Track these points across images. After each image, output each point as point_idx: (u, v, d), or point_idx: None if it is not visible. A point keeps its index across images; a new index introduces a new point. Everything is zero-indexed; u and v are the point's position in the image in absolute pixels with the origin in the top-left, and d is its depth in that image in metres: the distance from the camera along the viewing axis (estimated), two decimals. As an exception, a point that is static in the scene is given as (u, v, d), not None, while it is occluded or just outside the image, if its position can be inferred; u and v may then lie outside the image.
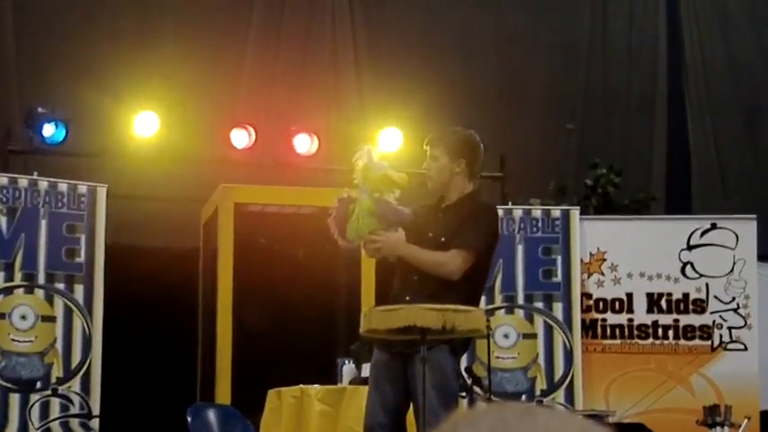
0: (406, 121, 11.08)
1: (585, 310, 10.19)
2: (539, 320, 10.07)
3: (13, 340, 9.17)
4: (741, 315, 10.10)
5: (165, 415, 9.46)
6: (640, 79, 13.27)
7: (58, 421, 9.22)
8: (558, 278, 10.10)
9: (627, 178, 11.86)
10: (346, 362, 8.45)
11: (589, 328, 10.20)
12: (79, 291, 9.44)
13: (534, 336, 10.06)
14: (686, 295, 10.17)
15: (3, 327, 9.16)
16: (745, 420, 8.78)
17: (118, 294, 9.66)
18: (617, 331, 10.21)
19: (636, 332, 10.19)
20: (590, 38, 13.20)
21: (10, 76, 11.12)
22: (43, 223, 9.41)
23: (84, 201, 9.56)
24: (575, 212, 10.33)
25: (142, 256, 10.72)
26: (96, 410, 9.36)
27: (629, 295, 10.22)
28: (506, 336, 10.03)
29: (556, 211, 10.31)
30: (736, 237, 10.15)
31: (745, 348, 10.07)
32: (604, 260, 10.26)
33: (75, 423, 9.28)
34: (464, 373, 7.19)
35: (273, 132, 11.07)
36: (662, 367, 10.12)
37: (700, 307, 10.15)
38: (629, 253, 10.26)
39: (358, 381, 8.01)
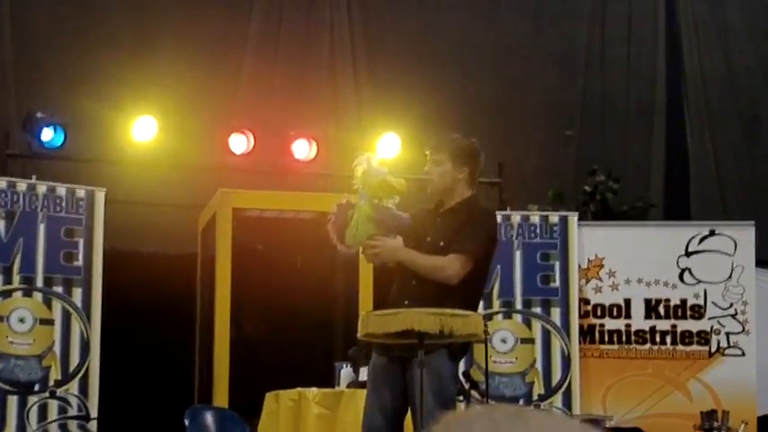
0: (404, 128, 11.08)
1: (583, 315, 10.19)
2: (537, 325, 10.08)
3: (11, 343, 9.18)
4: (739, 321, 10.11)
5: (162, 418, 9.46)
6: (639, 87, 13.29)
7: (56, 423, 9.23)
8: (557, 284, 10.11)
9: (625, 185, 11.87)
10: (344, 366, 8.46)
11: (587, 334, 10.21)
12: (77, 294, 9.44)
13: (532, 341, 10.07)
14: (684, 301, 10.18)
15: (1, 329, 9.16)
16: (743, 426, 8.79)
17: (116, 299, 9.67)
18: (615, 337, 10.22)
19: (633, 337, 10.20)
20: (588, 47, 13.21)
21: (9, 80, 11.12)
22: (41, 227, 9.41)
23: (82, 205, 9.57)
24: (573, 219, 10.34)
25: (140, 261, 10.72)
26: (94, 413, 9.36)
27: (627, 301, 10.23)
28: (504, 340, 10.04)
29: (554, 218, 10.32)
30: (735, 243, 10.16)
31: (743, 354, 10.08)
32: (602, 266, 10.27)
33: (73, 425, 9.29)
34: (462, 377, 7.20)
35: (272, 138, 11.08)
36: (659, 372, 10.12)
37: (698, 313, 10.16)
38: (627, 259, 10.27)
39: (356, 384, 8.02)
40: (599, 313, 10.25)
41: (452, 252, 6.17)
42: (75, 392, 9.32)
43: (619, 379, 10.15)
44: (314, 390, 7.82)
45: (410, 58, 12.42)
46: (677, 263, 10.20)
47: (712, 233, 10.24)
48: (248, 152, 10.91)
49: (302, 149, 11.04)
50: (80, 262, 9.50)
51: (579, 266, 10.20)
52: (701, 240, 10.23)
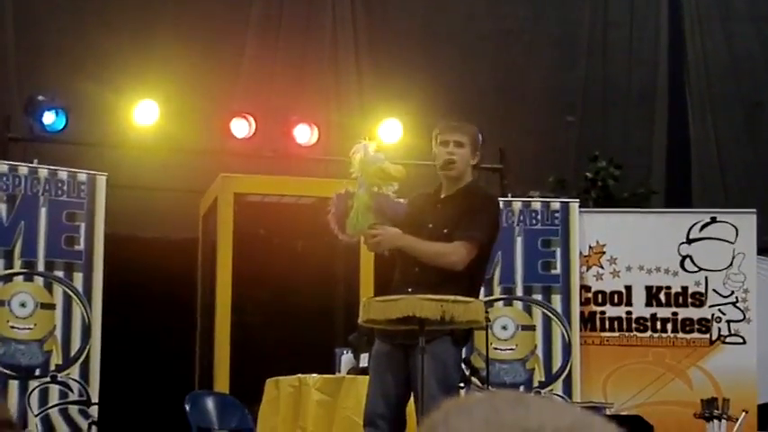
0: (405, 113, 11.07)
1: (584, 302, 10.19)
2: (537, 312, 10.08)
3: (12, 327, 9.18)
4: (740, 309, 10.11)
5: (163, 403, 9.48)
6: (641, 72, 13.27)
7: (56, 408, 9.24)
8: (557, 270, 10.11)
9: (627, 172, 11.86)
10: (344, 352, 8.46)
11: (588, 321, 10.21)
12: (78, 279, 9.45)
13: (533, 327, 10.07)
14: (685, 288, 10.17)
15: (2, 314, 9.17)
16: (743, 414, 8.79)
17: (117, 283, 9.67)
18: (615, 324, 10.22)
19: (634, 325, 10.20)
20: (590, 31, 13.19)
21: (10, 64, 11.11)
22: (43, 211, 9.41)
23: (83, 189, 9.56)
24: (574, 205, 10.33)
25: (141, 245, 10.72)
26: (95, 398, 9.37)
27: (628, 288, 10.23)
28: (505, 327, 10.04)
29: (555, 204, 10.31)
30: (736, 231, 10.15)
31: (744, 342, 10.08)
32: (603, 253, 10.26)
33: (74, 410, 9.30)
34: (462, 364, 7.20)
35: (273, 122, 11.06)
36: (660, 360, 10.12)
37: (698, 300, 10.16)
38: (628, 246, 10.26)
39: (356, 371, 8.02)
40: (600, 300, 10.25)
41: (457, 239, 6.16)
42: (76, 377, 9.33)
43: (619, 366, 10.15)
44: (314, 376, 7.81)
45: (412, 43, 12.41)
46: (678, 250, 10.19)
47: (713, 220, 10.23)
48: (249, 137, 10.90)
49: (303, 134, 11.02)
50: (81, 246, 9.50)
51: (580, 253, 10.19)
52: (703, 228, 10.22)
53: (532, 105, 12.71)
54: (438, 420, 1.13)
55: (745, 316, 10.10)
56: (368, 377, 6.49)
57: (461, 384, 7.07)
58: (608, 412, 9.05)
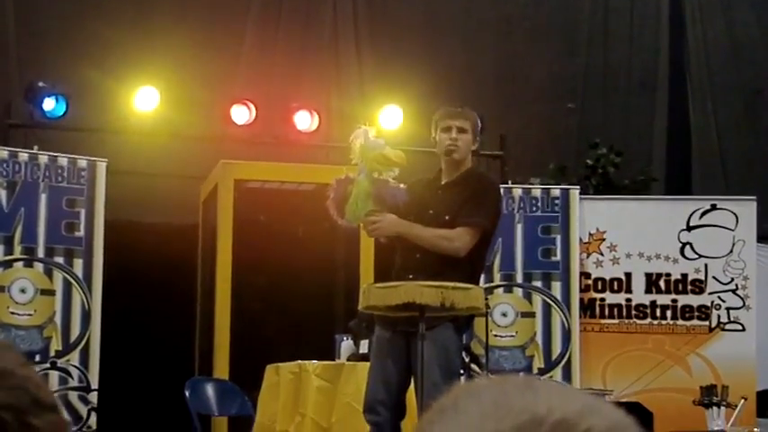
0: (406, 99, 11.07)
1: (584, 289, 10.20)
2: (537, 299, 10.08)
3: (12, 313, 9.19)
4: (739, 296, 10.11)
5: (163, 389, 9.49)
6: (641, 59, 13.26)
7: (56, 394, 9.23)
8: (558, 257, 10.11)
9: (627, 159, 11.86)
10: (344, 338, 8.46)
11: (587, 308, 10.22)
12: (78, 265, 9.45)
13: (532, 314, 10.08)
14: (685, 276, 10.17)
15: (2, 300, 9.17)
16: (742, 401, 8.80)
17: (117, 269, 9.68)
18: (615, 311, 10.22)
19: (634, 312, 10.20)
20: (591, 18, 13.18)
21: (10, 50, 11.10)
22: (43, 197, 9.41)
23: (84, 175, 9.56)
24: (574, 192, 10.33)
25: (141, 232, 10.72)
26: (95, 384, 9.38)
27: (628, 275, 10.23)
28: (505, 314, 10.05)
29: (556, 191, 10.31)
30: (736, 218, 10.15)
31: (743, 329, 10.08)
32: (604, 240, 10.26)
33: (73, 396, 9.31)
34: (462, 351, 7.21)
35: (274, 109, 11.06)
36: (659, 347, 10.13)
37: (698, 287, 10.16)
38: (628, 233, 10.26)
39: (356, 357, 8.03)
40: (600, 287, 10.25)
41: (459, 225, 6.16)
42: (76, 363, 9.33)
43: (619, 353, 10.16)
44: (314, 362, 7.82)
45: (413, 29, 12.39)
46: (678, 237, 10.19)
47: (714, 207, 10.23)
48: (250, 123, 10.89)
49: (304, 121, 11.02)
50: (81, 232, 9.50)
51: (580, 240, 10.19)
52: (703, 215, 10.22)
53: (533, 92, 12.71)
54: (447, 403, 1.14)
55: (744, 303, 10.11)
56: (368, 364, 6.50)
57: (461, 371, 7.08)
58: (607, 399, 9.05)
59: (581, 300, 10.14)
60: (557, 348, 10.02)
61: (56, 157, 9.54)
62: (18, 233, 9.29)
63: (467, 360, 7.73)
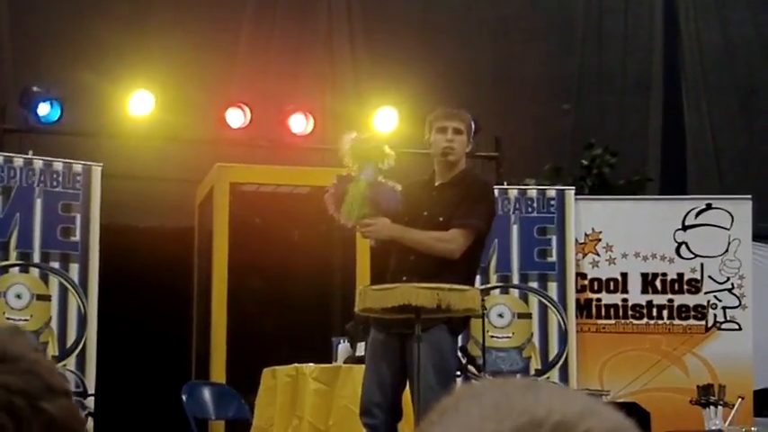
0: (401, 101, 11.07)
1: (580, 290, 10.20)
2: (533, 300, 10.08)
3: (8, 319, 9.17)
4: (736, 295, 10.11)
5: (160, 393, 9.48)
6: (636, 59, 13.27)
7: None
8: (553, 258, 10.11)
9: (622, 159, 11.87)
10: (341, 341, 8.46)
11: (584, 308, 10.22)
12: (74, 270, 9.44)
13: (529, 315, 10.08)
14: (681, 275, 10.18)
15: (-2, 306, 9.16)
16: (739, 400, 8.80)
17: (113, 274, 9.66)
18: (611, 311, 10.23)
19: (630, 312, 10.20)
20: (585, 19, 13.19)
21: (5, 54, 11.10)
22: (38, 202, 9.40)
23: (79, 180, 9.55)
24: (570, 193, 10.33)
25: (137, 235, 10.72)
26: (91, 389, 9.36)
27: (624, 275, 10.23)
28: (501, 315, 10.05)
29: (551, 192, 10.31)
30: (732, 217, 10.16)
31: (740, 328, 10.09)
32: (599, 240, 10.26)
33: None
34: (459, 352, 7.21)
35: (269, 112, 11.06)
36: (656, 347, 10.13)
37: (694, 287, 10.17)
38: (624, 233, 10.26)
39: (353, 360, 8.03)
40: (596, 288, 10.25)
41: (454, 226, 6.17)
42: (73, 368, 9.32)
43: (615, 354, 10.16)
44: (311, 365, 7.82)
45: (407, 31, 12.40)
46: (674, 237, 10.19)
47: (709, 207, 10.24)
48: (245, 126, 10.89)
49: (299, 124, 11.02)
50: (77, 237, 9.49)
51: (576, 241, 10.20)
52: (698, 214, 10.22)
53: (528, 93, 12.72)
54: (449, 405, 1.14)
55: (740, 302, 10.11)
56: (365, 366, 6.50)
57: (457, 372, 7.08)
58: (604, 399, 9.06)
59: (577, 300, 10.14)
60: (553, 349, 10.02)
61: (51, 161, 9.53)
62: (13, 238, 9.28)
63: (464, 361, 7.72)
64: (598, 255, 10.25)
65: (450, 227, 6.18)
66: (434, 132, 6.38)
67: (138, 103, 10.57)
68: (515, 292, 10.12)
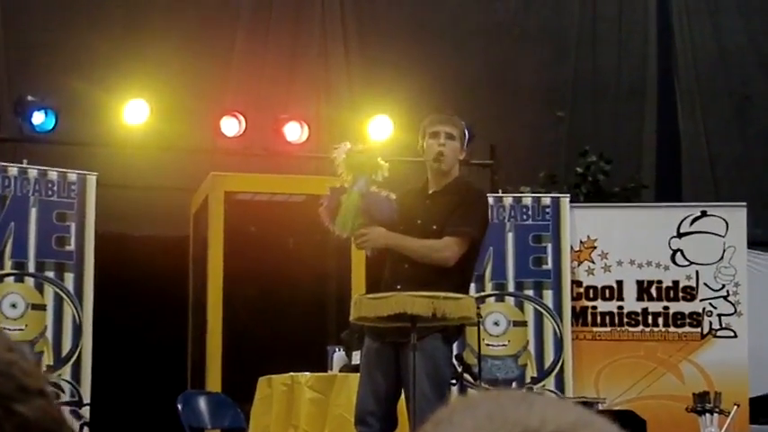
0: (396, 110, 11.07)
1: (576, 297, 10.19)
2: (529, 308, 10.08)
3: (3, 328, 9.14)
4: (731, 302, 10.11)
5: (155, 403, 9.47)
6: (630, 67, 13.28)
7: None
8: (549, 266, 10.11)
9: (617, 166, 11.88)
10: (337, 349, 8.46)
11: (579, 316, 10.21)
12: (69, 279, 9.42)
13: (524, 323, 10.07)
14: (676, 283, 10.17)
15: (-7, 315, 9.15)
16: (735, 407, 8.80)
17: (108, 283, 9.65)
18: (607, 319, 10.22)
19: (626, 319, 10.19)
20: (579, 25, 13.20)
21: (-1, 64, 11.10)
22: (33, 212, 9.39)
23: (74, 189, 9.54)
24: (565, 200, 10.33)
25: (132, 244, 10.71)
26: (87, 398, 9.34)
27: (620, 283, 10.22)
28: (497, 323, 10.04)
29: (546, 199, 10.32)
30: (726, 224, 10.16)
31: (735, 336, 10.08)
32: (594, 248, 10.26)
33: (65, 411, 9.27)
34: (454, 360, 7.20)
35: (263, 121, 11.06)
36: (652, 354, 10.13)
37: (690, 294, 10.16)
38: (619, 241, 10.26)
39: (348, 368, 8.03)
40: (591, 295, 10.25)
41: (448, 234, 6.16)
42: (68, 378, 9.30)
43: (611, 361, 10.15)
44: (307, 374, 7.82)
45: (401, 39, 12.40)
46: (669, 244, 10.19)
47: (704, 214, 10.24)
48: (240, 135, 10.89)
49: (294, 132, 11.02)
50: (72, 246, 9.48)
51: (571, 248, 10.19)
52: (693, 221, 10.22)
53: (522, 101, 12.73)
54: (443, 416, 1.14)
55: (736, 309, 10.11)
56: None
57: (453, 381, 7.08)
58: (600, 407, 9.05)
59: (573, 308, 10.14)
60: (549, 357, 10.02)
61: (45, 171, 9.52)
62: (8, 248, 9.27)
63: (459, 370, 7.71)
64: (593, 262, 10.25)
65: (443, 235, 6.18)
66: (427, 137, 6.39)
67: (133, 112, 10.57)
68: (511, 300, 10.11)
